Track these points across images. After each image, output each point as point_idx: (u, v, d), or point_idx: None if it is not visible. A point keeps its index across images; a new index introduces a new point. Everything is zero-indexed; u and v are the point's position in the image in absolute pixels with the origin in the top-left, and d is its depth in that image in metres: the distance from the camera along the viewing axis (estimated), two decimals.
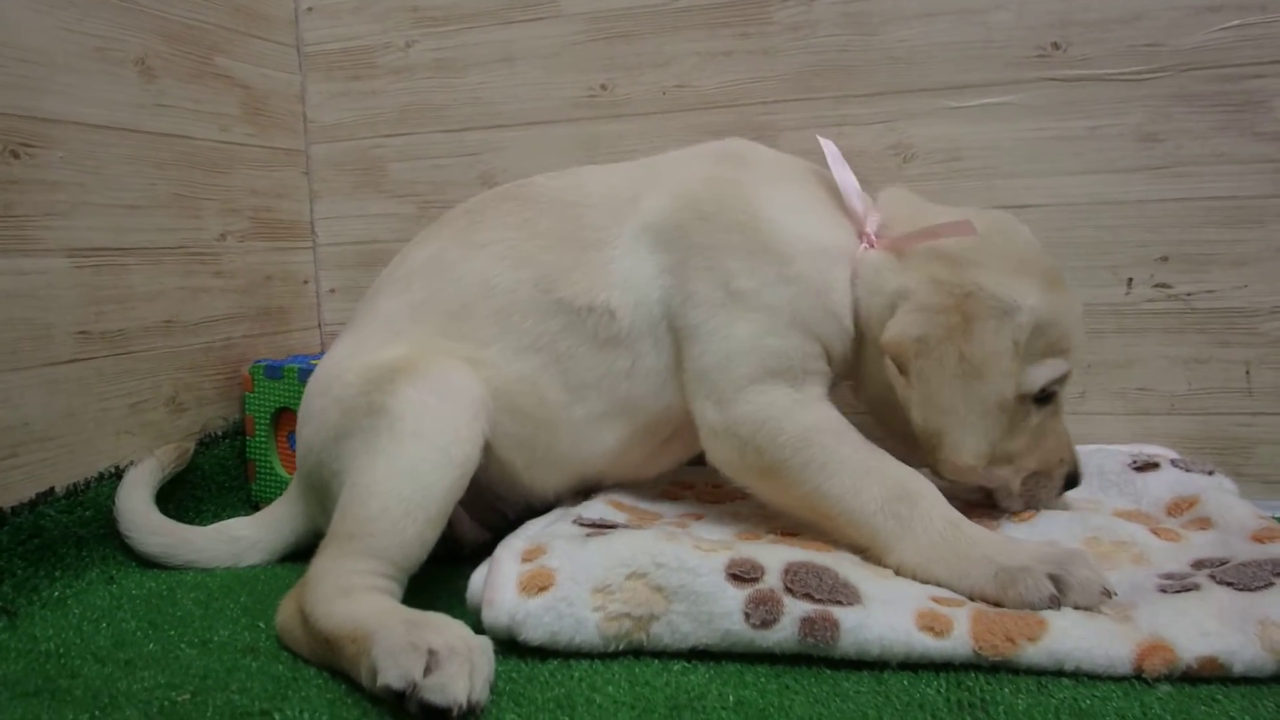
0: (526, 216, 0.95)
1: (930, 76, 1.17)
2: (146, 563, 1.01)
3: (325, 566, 0.76)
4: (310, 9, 1.39)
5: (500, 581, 0.75)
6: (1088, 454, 1.07)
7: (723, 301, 0.87)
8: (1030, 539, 0.85)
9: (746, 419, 0.85)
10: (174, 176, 1.18)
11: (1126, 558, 0.83)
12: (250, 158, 1.30)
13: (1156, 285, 1.13)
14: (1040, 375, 0.86)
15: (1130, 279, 1.13)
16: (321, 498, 0.89)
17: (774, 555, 0.77)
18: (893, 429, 0.92)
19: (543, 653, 0.73)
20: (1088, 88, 1.12)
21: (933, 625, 0.70)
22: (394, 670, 0.63)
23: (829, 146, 0.97)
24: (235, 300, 1.26)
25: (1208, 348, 1.12)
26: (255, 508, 1.19)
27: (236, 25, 1.28)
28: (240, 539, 0.99)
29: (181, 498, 1.12)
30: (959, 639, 0.69)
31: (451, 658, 0.65)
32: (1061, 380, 0.89)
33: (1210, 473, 1.00)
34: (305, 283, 1.41)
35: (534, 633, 0.73)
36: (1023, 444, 0.89)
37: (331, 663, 0.72)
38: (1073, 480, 0.94)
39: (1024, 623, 0.70)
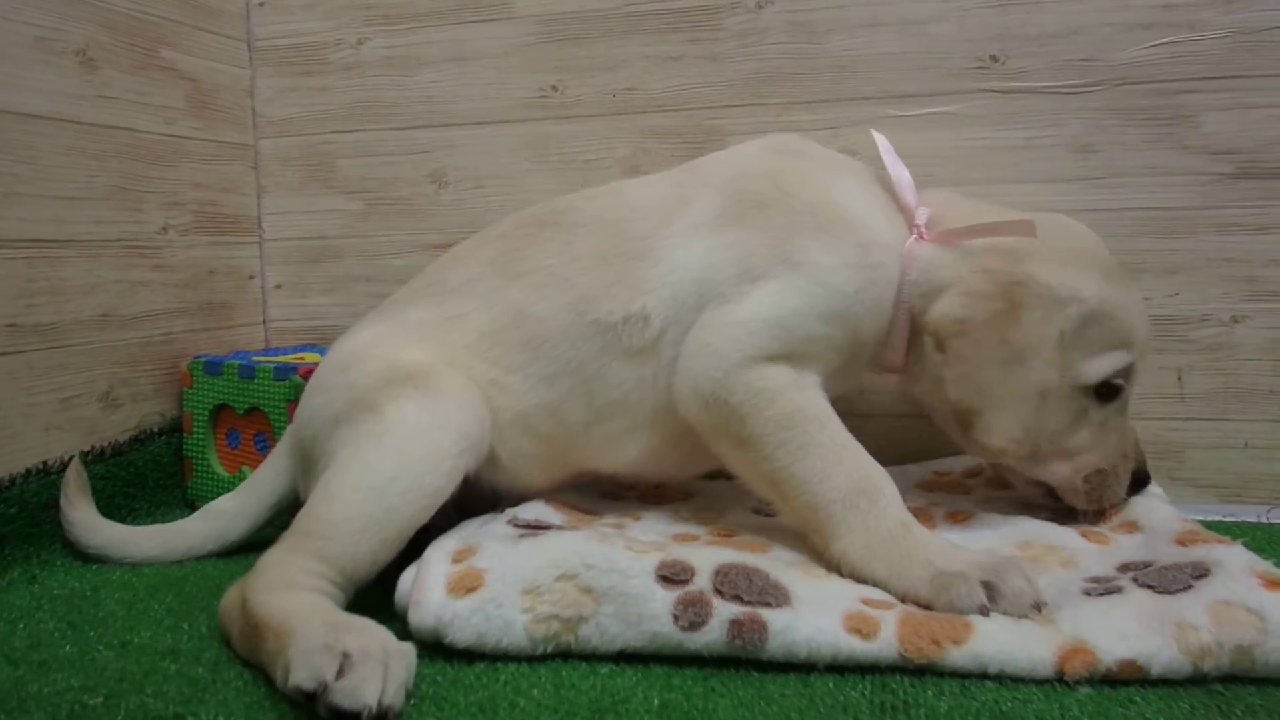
0: (567, 241, 0.92)
1: (874, 85, 1.17)
2: (81, 559, 0.97)
3: (276, 558, 0.75)
4: (261, 3, 1.36)
5: (428, 582, 0.73)
6: None
7: (777, 273, 0.84)
8: (964, 542, 0.84)
9: (742, 387, 0.82)
10: (114, 169, 1.14)
11: (1056, 561, 0.84)
12: (196, 151, 1.27)
13: None
14: (1100, 367, 0.85)
15: None
16: (306, 466, 0.88)
17: (706, 557, 0.75)
18: (945, 425, 0.92)
19: (470, 655, 0.71)
20: (1025, 100, 1.14)
21: (860, 627, 0.69)
22: (305, 670, 0.61)
23: (882, 141, 0.96)
24: (176, 294, 1.23)
25: None
26: (191, 506, 1.16)
27: (184, 18, 1.25)
28: (225, 512, 0.97)
29: (113, 495, 1.08)
30: (885, 641, 0.69)
31: (365, 661, 0.62)
32: (1125, 374, 0.87)
33: None
34: (250, 278, 1.38)
35: (461, 634, 0.71)
36: (1084, 439, 0.87)
37: (256, 656, 0.70)
38: (1141, 479, 0.92)
39: (950, 626, 0.69)
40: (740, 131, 1.21)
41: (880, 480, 0.81)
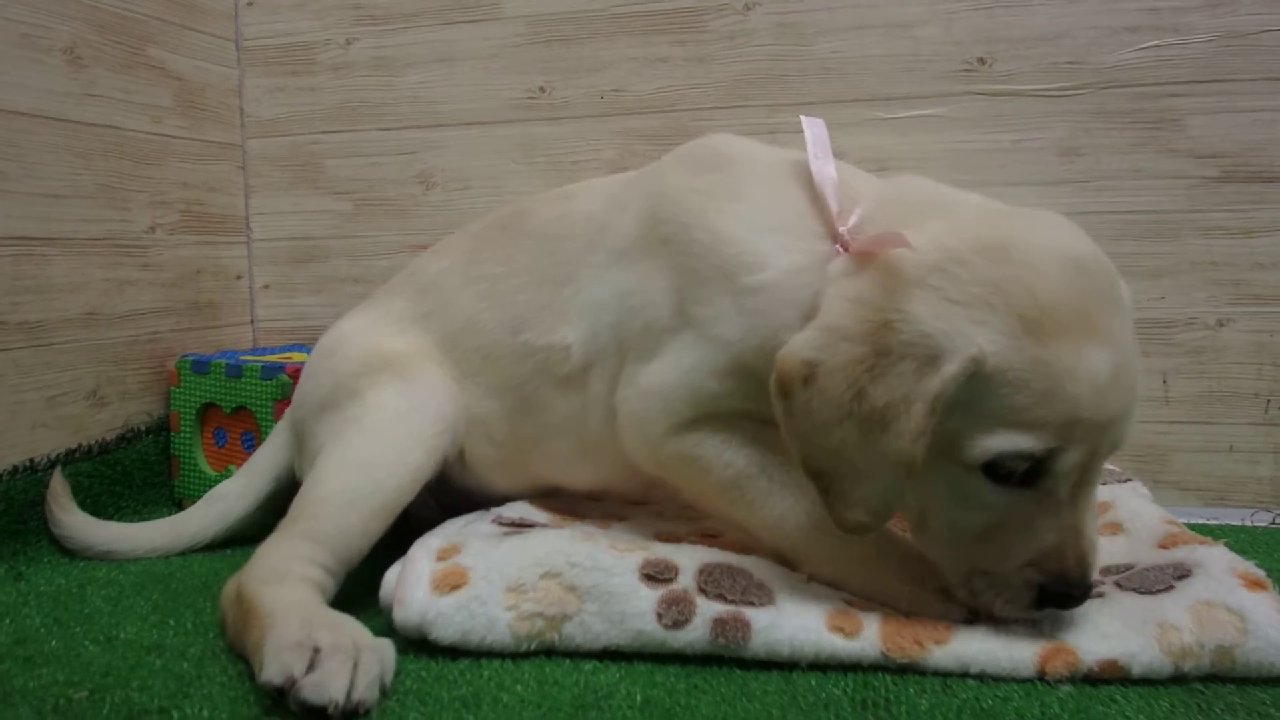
0: (511, 253, 0.93)
1: (860, 88, 1.19)
2: (68, 556, 0.98)
3: (270, 547, 0.78)
4: (250, 3, 1.37)
5: (413, 580, 0.74)
6: None
7: (675, 328, 0.80)
8: None
9: (677, 458, 0.81)
10: (101, 167, 1.15)
11: None
12: (183, 150, 1.28)
13: None
14: (988, 446, 0.65)
15: None
16: (299, 446, 0.94)
17: (690, 556, 0.77)
18: None
19: (454, 652, 0.73)
20: (1012, 102, 1.15)
21: (843, 626, 0.71)
22: (275, 666, 0.63)
23: (812, 128, 0.81)
24: (163, 294, 1.24)
25: None
26: (179, 505, 1.18)
27: (172, 17, 1.26)
28: (226, 495, 1.00)
29: (100, 494, 1.10)
30: (868, 640, 0.70)
31: (334, 655, 0.64)
32: (1029, 459, 0.65)
33: (1127, 480, 1.02)
34: (238, 278, 1.39)
35: (445, 632, 0.72)
36: (971, 527, 0.69)
37: (243, 648, 0.71)
38: (1053, 596, 0.68)
39: (932, 627, 0.70)
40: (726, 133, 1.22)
41: None
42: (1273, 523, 1.09)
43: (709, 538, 0.89)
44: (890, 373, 0.65)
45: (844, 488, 0.68)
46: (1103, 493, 0.98)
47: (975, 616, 0.72)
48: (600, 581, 0.73)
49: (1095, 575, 0.70)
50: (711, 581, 0.74)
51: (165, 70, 1.25)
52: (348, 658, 0.64)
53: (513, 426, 0.92)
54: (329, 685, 0.62)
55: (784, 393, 0.69)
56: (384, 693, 0.67)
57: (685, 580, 0.74)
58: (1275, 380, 1.12)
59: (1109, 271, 0.70)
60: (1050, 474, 0.67)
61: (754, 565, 0.77)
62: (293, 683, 0.62)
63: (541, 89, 1.28)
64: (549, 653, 0.73)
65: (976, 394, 0.64)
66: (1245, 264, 1.12)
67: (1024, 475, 0.67)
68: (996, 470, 0.67)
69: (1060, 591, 0.68)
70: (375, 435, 0.85)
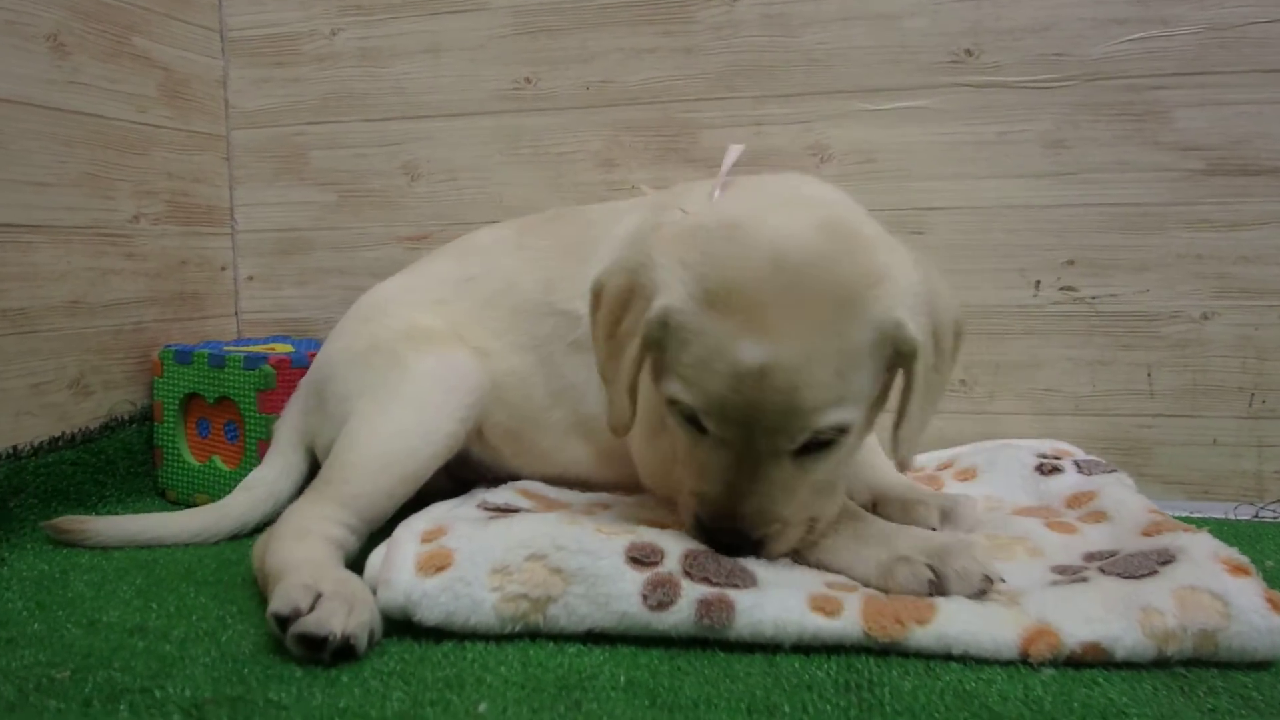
0: (560, 230, 1.03)
1: (847, 79, 1.20)
2: (51, 544, 0.99)
3: (298, 507, 0.85)
4: None
5: (398, 561, 0.76)
6: (993, 449, 1.10)
7: None
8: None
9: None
10: (85, 155, 1.16)
11: (1022, 550, 0.86)
12: (168, 140, 1.29)
13: (1063, 288, 1.17)
14: (665, 386, 0.77)
15: (1038, 282, 1.17)
16: (318, 403, 0.98)
17: (675, 541, 0.78)
18: None
19: (438, 634, 0.74)
20: (998, 94, 1.17)
21: (824, 606, 0.72)
22: (282, 600, 0.71)
23: (732, 153, 0.95)
24: (147, 284, 1.25)
25: (1111, 350, 1.16)
26: (161, 495, 1.19)
27: (156, 6, 1.27)
28: (263, 480, 1.03)
29: (83, 482, 1.11)
30: (850, 620, 0.71)
31: (334, 597, 0.72)
32: (689, 410, 0.75)
33: (1112, 470, 1.03)
34: (223, 269, 1.40)
35: (430, 613, 0.73)
36: (679, 449, 0.80)
37: (267, 594, 0.77)
38: (704, 528, 0.78)
39: (914, 606, 0.72)
40: (714, 125, 1.24)
41: None
42: (1255, 516, 1.11)
43: None
44: (633, 306, 0.77)
45: (608, 393, 0.81)
46: (1088, 483, 1.01)
47: (938, 592, 0.74)
48: (586, 564, 0.74)
49: (758, 534, 0.77)
50: (696, 565, 0.75)
51: (150, 60, 1.26)
52: (345, 603, 0.72)
53: (528, 389, 0.98)
54: (329, 621, 0.69)
55: (590, 309, 0.83)
56: (371, 643, 0.72)
57: (670, 564, 0.75)
58: (1259, 374, 1.13)
59: (824, 276, 0.72)
60: (710, 432, 0.75)
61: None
62: (298, 614, 0.70)
63: (528, 80, 1.29)
64: (533, 635, 0.75)
65: (669, 340, 0.75)
66: (1230, 257, 1.13)
67: (693, 420, 0.76)
68: (676, 408, 0.77)
69: (706, 526, 0.78)
70: (414, 402, 0.89)
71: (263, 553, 0.82)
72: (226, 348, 1.21)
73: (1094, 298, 1.17)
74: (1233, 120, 1.12)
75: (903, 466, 0.80)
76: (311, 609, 0.70)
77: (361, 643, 0.71)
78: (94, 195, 1.18)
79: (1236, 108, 1.12)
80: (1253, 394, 1.14)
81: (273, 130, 1.38)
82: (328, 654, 0.69)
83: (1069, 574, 0.80)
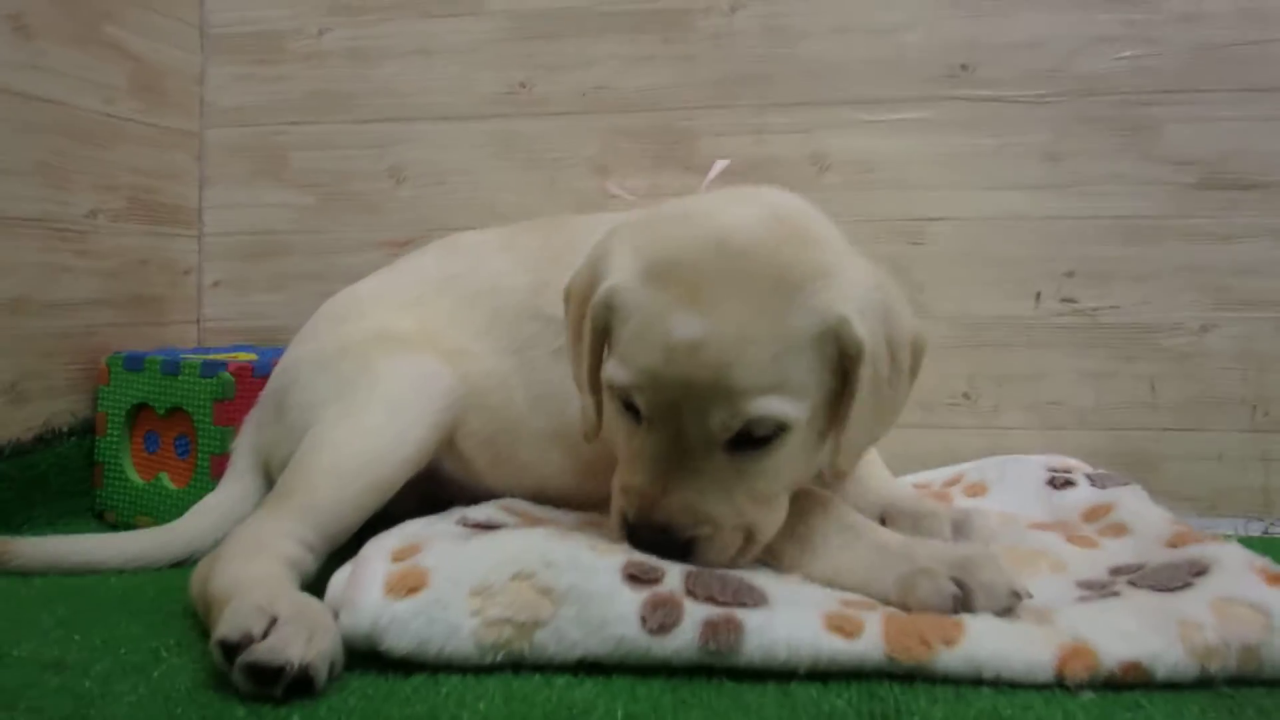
0: (548, 234, 0.97)
1: (846, 90, 1.17)
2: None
3: (248, 524, 0.74)
4: None
5: (365, 581, 0.64)
6: (1001, 464, 1.06)
7: None
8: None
9: None
10: (43, 143, 1.04)
11: (1045, 565, 0.79)
12: (135, 134, 1.18)
13: (1064, 300, 1.13)
14: (605, 369, 0.72)
15: (1039, 293, 1.13)
16: (278, 414, 0.87)
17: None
18: None
19: (408, 666, 0.62)
20: (995, 107, 1.14)
21: (842, 626, 0.62)
22: (231, 624, 0.59)
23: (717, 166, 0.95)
24: (101, 284, 1.12)
25: (1113, 362, 1.12)
26: (99, 517, 1.06)
27: None
28: (217, 506, 0.90)
29: (9, 500, 0.96)
30: (870, 641, 0.61)
31: (292, 622, 0.60)
32: (622, 391, 0.70)
33: (1126, 483, 0.98)
34: (186, 273, 1.29)
35: (399, 640, 0.61)
36: (620, 457, 0.75)
37: (210, 623, 0.66)
38: (629, 525, 0.71)
39: (939, 625, 0.63)
40: (711, 133, 1.19)
41: (805, 502, 0.74)
42: (1265, 532, 1.05)
43: None
44: (591, 297, 0.73)
45: (580, 397, 0.76)
46: (1103, 496, 0.94)
47: (963, 608, 0.66)
48: (578, 582, 0.63)
49: (686, 534, 0.69)
50: (700, 583, 0.65)
51: (122, 49, 1.16)
52: (304, 628, 0.60)
53: (508, 392, 0.89)
54: (285, 649, 0.58)
55: (564, 313, 0.79)
56: (331, 675, 0.60)
57: (672, 582, 0.65)
58: (1261, 386, 1.09)
59: (768, 260, 0.68)
60: (643, 416, 0.70)
61: (744, 567, 0.69)
62: (249, 640, 0.58)
63: (522, 84, 1.23)
64: (517, 665, 0.63)
65: (614, 321, 0.71)
66: (1226, 269, 1.10)
67: (630, 407, 0.71)
68: (614, 392, 0.71)
69: (630, 523, 0.71)
70: (383, 403, 0.80)
71: (205, 576, 0.69)
72: (185, 356, 1.09)
73: (1095, 309, 1.12)
74: (1221, 136, 1.10)
75: (839, 476, 0.72)
76: (265, 635, 0.59)
77: (321, 675, 0.59)
78: (48, 185, 1.05)
79: (1225, 124, 1.10)
80: (1254, 406, 1.09)
81: (251, 129, 1.29)
82: (281, 688, 0.57)
83: (1097, 589, 0.72)
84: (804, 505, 0.75)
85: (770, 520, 0.71)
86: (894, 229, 1.13)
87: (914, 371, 0.74)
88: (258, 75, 1.29)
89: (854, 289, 0.69)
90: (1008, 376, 1.14)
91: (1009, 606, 0.65)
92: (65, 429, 1.05)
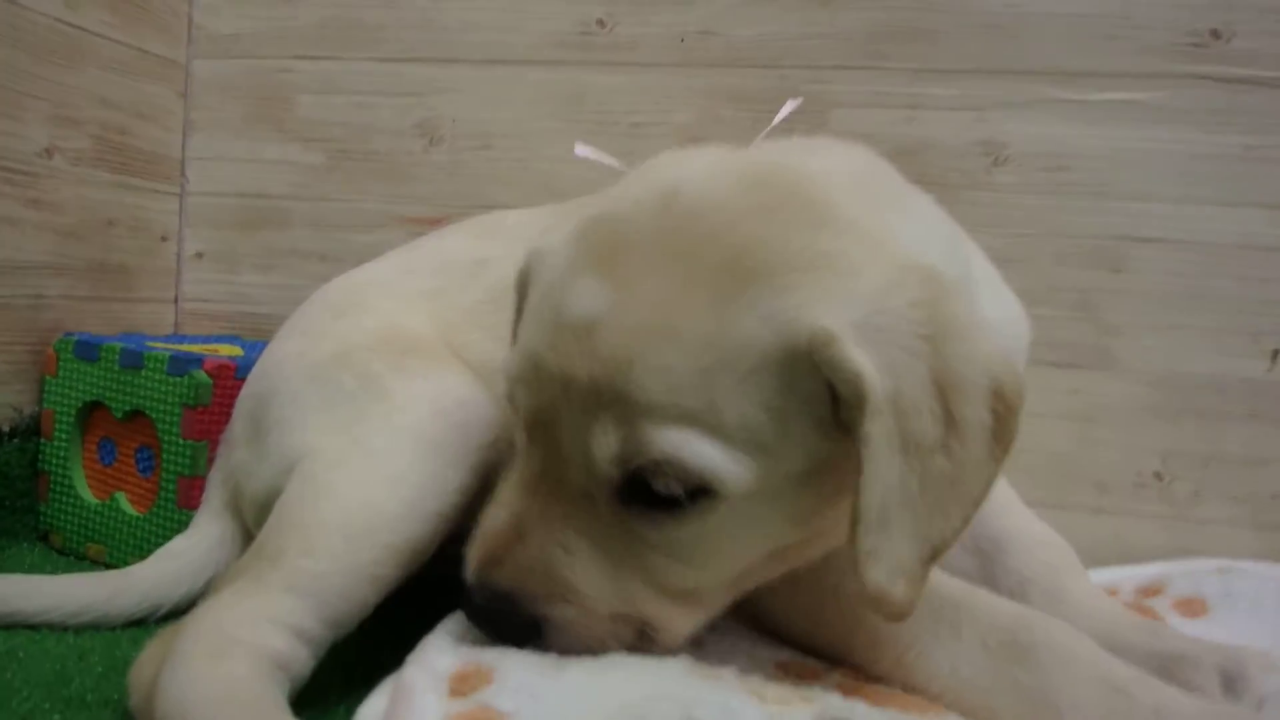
0: None
1: (1040, 56, 0.95)
2: None
3: (216, 602, 0.57)
4: None
5: None
6: (1214, 570, 0.83)
7: None
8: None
9: None
10: None
11: None
12: (106, 54, 1.00)
13: None
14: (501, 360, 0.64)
15: (1276, 351, 0.93)
16: (255, 433, 0.73)
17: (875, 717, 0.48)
18: None
19: None
20: (1252, 93, 0.92)
21: None
22: None
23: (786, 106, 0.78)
24: (56, 243, 0.96)
25: None
26: (44, 539, 0.91)
27: None
28: (179, 554, 0.76)
29: None
30: None
31: None
32: (509, 388, 0.57)
33: None
34: (164, 239, 1.12)
35: None
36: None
37: None
38: (468, 602, 0.56)
39: None
40: (850, 103, 0.99)
41: (1021, 629, 0.54)
42: None
43: (856, 676, 0.56)
44: None
45: None
46: None
47: None
48: None
49: (535, 609, 0.51)
50: None
51: None
52: None
53: None
54: None
55: None
56: None
57: None
58: None
59: (722, 231, 0.50)
60: (524, 428, 0.54)
61: None
62: None
63: (600, 22, 1.03)
64: None
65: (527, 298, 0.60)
66: None
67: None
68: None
69: (467, 583, 0.53)
70: (408, 437, 0.64)
71: (150, 680, 0.53)
72: (148, 343, 0.92)
73: None
74: None
75: (879, 598, 0.46)
76: None
77: None
78: None
79: None
80: None
81: (249, 62, 1.12)
82: None
83: None
84: (1022, 639, 0.53)
85: (682, 617, 0.52)
86: (1086, 250, 0.93)
87: (1001, 436, 0.49)
88: None
89: (859, 292, 0.48)
90: (1217, 456, 0.94)
91: None
92: (7, 428, 0.91)
